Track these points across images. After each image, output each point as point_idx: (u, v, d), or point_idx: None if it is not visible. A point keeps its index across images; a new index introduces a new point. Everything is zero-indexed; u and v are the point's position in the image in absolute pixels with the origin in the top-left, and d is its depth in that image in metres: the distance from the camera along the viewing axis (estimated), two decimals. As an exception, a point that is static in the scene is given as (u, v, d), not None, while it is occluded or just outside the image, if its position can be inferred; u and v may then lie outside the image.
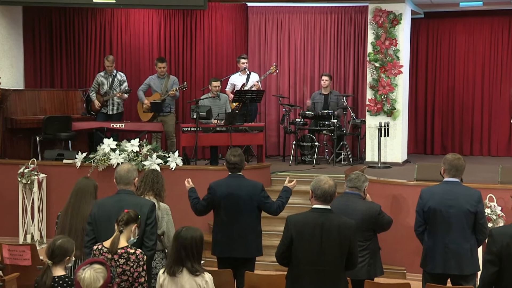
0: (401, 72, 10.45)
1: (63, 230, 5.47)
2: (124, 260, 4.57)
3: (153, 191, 5.68)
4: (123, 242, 4.64)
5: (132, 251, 4.59)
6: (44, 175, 9.11)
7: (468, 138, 12.25)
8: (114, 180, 5.25)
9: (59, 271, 4.40)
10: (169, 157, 9.00)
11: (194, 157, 9.90)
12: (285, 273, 4.83)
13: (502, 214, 7.30)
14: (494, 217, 7.15)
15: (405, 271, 7.91)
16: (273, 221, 8.09)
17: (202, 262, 4.62)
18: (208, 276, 4.54)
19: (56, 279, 4.33)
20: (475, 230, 5.49)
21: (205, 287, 4.49)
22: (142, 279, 4.58)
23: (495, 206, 7.20)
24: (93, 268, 4.06)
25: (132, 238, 4.72)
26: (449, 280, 5.63)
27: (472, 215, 5.48)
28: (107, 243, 4.66)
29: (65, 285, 4.32)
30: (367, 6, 10.66)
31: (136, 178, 5.29)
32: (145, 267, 4.63)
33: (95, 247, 4.72)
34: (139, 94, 10.76)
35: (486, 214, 6.95)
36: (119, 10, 11.90)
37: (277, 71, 11.31)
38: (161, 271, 4.64)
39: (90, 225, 5.10)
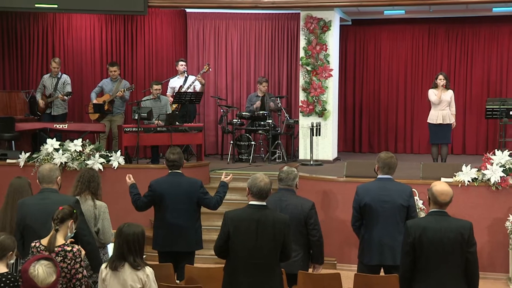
0: (331, 76, 10.58)
1: (3, 231, 5.31)
2: (61, 258, 4.45)
3: (89, 190, 5.58)
4: (60, 240, 4.52)
5: (69, 248, 4.48)
6: (-13, 174, 8.83)
7: (393, 137, 12.53)
8: (37, 180, 5.11)
9: (1, 268, 4.26)
10: (111, 156, 8.88)
11: (136, 156, 9.79)
12: (223, 265, 4.82)
13: (424, 207, 7.50)
14: (417, 210, 7.31)
15: (336, 262, 8.02)
16: (212, 217, 8.08)
17: (144, 256, 4.57)
18: (149, 270, 4.49)
19: (-1, 277, 4.20)
20: None
21: (146, 281, 4.45)
22: (80, 275, 4.48)
23: (417, 200, 7.36)
24: (43, 264, 3.98)
25: (69, 234, 4.63)
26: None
27: (404, 209, 5.58)
28: (44, 241, 4.54)
29: (8, 282, 4.18)
30: (299, 13, 10.75)
31: (59, 177, 5.16)
32: (82, 263, 4.53)
33: (32, 244, 4.59)
34: (91, 95, 10.67)
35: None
36: (61, 14, 11.63)
37: (210, 70, 11.28)
38: (103, 265, 4.57)
39: (17, 225, 4.98)
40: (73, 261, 4.47)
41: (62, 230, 4.57)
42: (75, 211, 4.67)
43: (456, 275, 4.43)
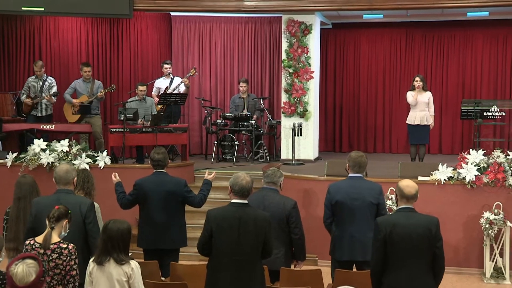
0: (312, 77, 10.62)
1: (16, 236, 5.26)
2: (57, 255, 4.44)
3: (84, 190, 5.60)
4: (55, 238, 4.51)
5: (64, 246, 4.47)
6: (-26, 174, 8.75)
7: (372, 137, 12.59)
8: (54, 180, 5.09)
9: (-9, 266, 4.24)
10: (97, 156, 8.84)
11: (121, 156, 9.75)
12: (207, 263, 4.82)
13: (401, 204, 7.52)
14: (395, 207, 7.35)
15: (317, 258, 8.05)
16: (196, 215, 8.07)
17: (130, 254, 4.55)
18: (134, 264, 4.48)
19: (-11, 274, 4.17)
20: None
21: (131, 274, 4.43)
22: (74, 272, 4.47)
23: (394, 197, 7.40)
24: (26, 263, 3.92)
25: (63, 233, 4.61)
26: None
27: (374, 207, 5.61)
28: (39, 239, 4.52)
29: (-1, 279, 4.17)
30: (281, 17, 10.77)
31: (75, 178, 5.16)
32: (76, 260, 4.52)
33: (27, 242, 4.57)
34: (66, 97, 10.43)
35: (388, 205, 7.18)
36: (47, 17, 11.54)
37: (196, 73, 11.24)
38: (91, 259, 4.56)
39: (31, 223, 4.96)
40: (68, 258, 4.46)
41: (57, 229, 4.56)
42: (70, 211, 4.65)
43: (424, 269, 4.49)
